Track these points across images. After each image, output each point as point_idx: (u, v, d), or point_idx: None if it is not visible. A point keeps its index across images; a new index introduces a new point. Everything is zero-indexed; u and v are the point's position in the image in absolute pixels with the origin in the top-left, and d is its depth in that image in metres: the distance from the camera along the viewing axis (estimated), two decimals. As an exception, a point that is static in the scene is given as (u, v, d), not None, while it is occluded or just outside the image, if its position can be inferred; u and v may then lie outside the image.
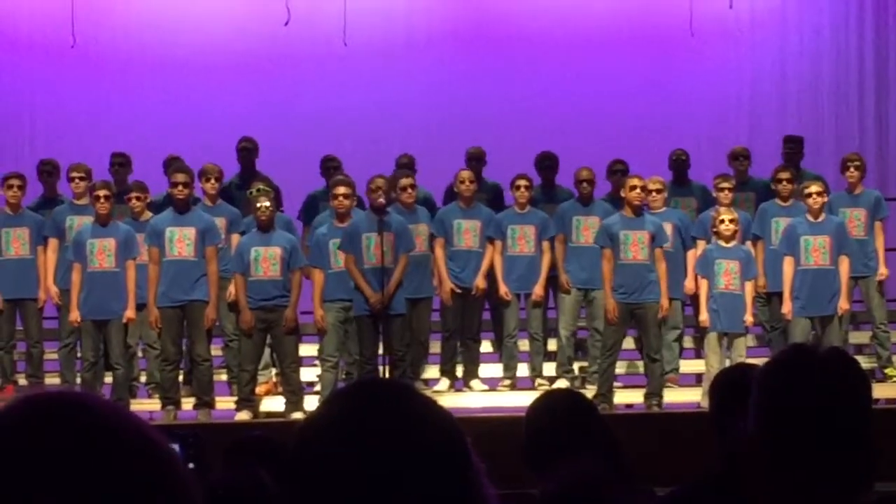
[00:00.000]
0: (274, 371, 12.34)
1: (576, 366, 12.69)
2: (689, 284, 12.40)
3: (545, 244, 12.48)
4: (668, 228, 12.24)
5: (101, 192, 11.80)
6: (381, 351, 11.59)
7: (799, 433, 2.52)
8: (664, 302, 11.84)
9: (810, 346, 2.77)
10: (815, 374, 2.55)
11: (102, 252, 11.79)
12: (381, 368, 11.46)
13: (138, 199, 12.23)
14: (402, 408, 1.74)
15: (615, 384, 12.23)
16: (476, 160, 13.19)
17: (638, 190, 11.92)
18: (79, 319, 11.77)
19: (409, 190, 12.33)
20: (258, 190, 12.00)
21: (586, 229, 12.37)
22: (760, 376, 2.64)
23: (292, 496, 1.73)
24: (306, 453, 1.73)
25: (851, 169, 12.74)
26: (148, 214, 12.18)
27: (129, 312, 11.77)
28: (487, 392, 12.51)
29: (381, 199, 11.69)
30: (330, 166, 13.09)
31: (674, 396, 12.26)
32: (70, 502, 1.31)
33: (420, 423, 1.73)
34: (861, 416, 2.56)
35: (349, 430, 1.71)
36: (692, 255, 12.45)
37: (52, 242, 12.40)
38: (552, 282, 12.71)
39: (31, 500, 1.31)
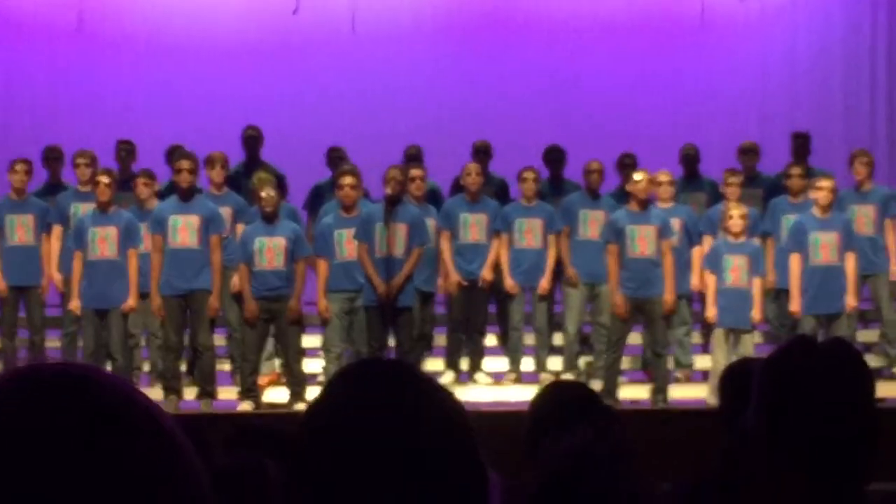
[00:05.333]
0: (277, 362, 12.27)
1: (581, 360, 12.61)
2: (695, 281, 12.31)
3: (551, 238, 12.40)
4: (675, 224, 12.15)
5: (103, 179, 11.72)
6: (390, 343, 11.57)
7: (800, 424, 2.51)
8: (668, 297, 11.75)
9: (812, 337, 2.76)
10: (817, 364, 2.55)
11: (104, 240, 11.71)
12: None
13: (146, 184, 12.12)
14: (404, 388, 1.73)
15: (621, 379, 12.15)
16: (482, 153, 13.10)
17: (644, 183, 11.83)
18: (79, 307, 11.72)
19: (418, 181, 12.25)
20: (259, 179, 11.91)
21: (593, 222, 12.28)
22: (762, 369, 2.64)
23: (301, 483, 1.72)
24: (312, 438, 1.72)
25: (858, 165, 12.59)
26: (154, 202, 12.10)
27: (131, 301, 11.71)
28: (492, 385, 12.44)
29: (388, 190, 11.63)
30: (335, 157, 13.01)
31: (680, 392, 12.18)
32: (69, 487, 1.22)
33: (422, 404, 1.72)
34: (862, 407, 2.55)
35: (352, 412, 1.71)
36: (698, 252, 12.35)
37: (56, 229, 12.33)
38: (558, 276, 12.63)
39: (28, 482, 1.21)
